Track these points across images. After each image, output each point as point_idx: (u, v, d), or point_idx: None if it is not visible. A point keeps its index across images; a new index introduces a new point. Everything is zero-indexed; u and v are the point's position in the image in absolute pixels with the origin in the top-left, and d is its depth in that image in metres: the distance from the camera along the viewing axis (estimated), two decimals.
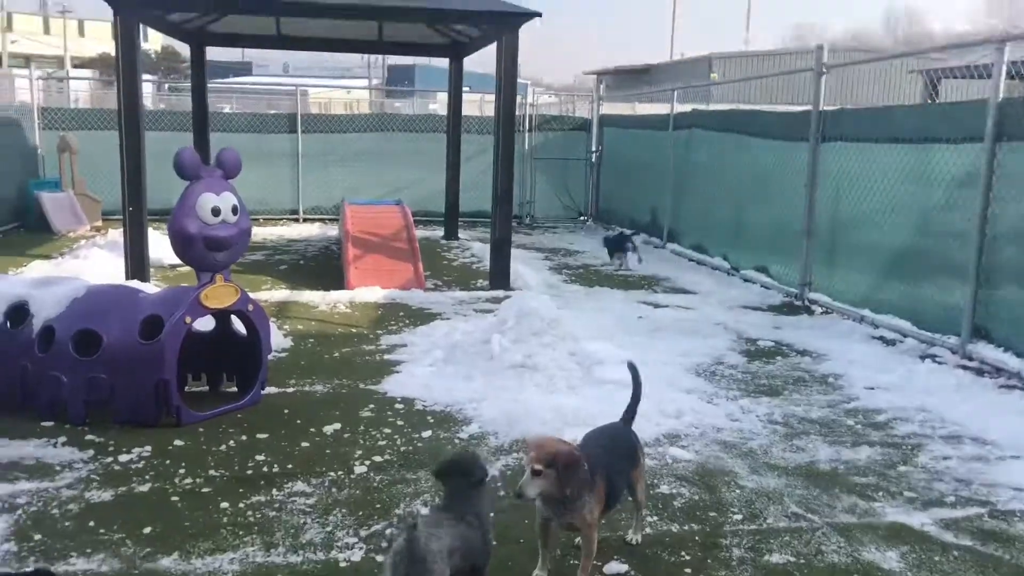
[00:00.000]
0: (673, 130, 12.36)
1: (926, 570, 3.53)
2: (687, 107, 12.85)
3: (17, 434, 4.70)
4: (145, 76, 12.97)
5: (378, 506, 4.00)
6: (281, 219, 14.72)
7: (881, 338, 7.37)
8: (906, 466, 4.65)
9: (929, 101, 16.02)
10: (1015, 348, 6.28)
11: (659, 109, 15.27)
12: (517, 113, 12.69)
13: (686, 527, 3.88)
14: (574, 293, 9.25)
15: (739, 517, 3.98)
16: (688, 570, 3.49)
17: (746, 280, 9.90)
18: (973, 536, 3.85)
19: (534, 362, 5.86)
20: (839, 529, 3.87)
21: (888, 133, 7.70)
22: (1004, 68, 6.37)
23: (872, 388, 6.00)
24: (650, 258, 11.69)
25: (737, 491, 4.28)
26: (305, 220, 14.80)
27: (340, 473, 4.37)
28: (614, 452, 3.52)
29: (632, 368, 3.80)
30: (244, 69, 59.25)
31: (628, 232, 11.58)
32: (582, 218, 15.86)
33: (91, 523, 3.75)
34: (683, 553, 3.62)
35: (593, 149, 15.66)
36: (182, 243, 5.03)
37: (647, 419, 5.16)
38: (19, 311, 5.08)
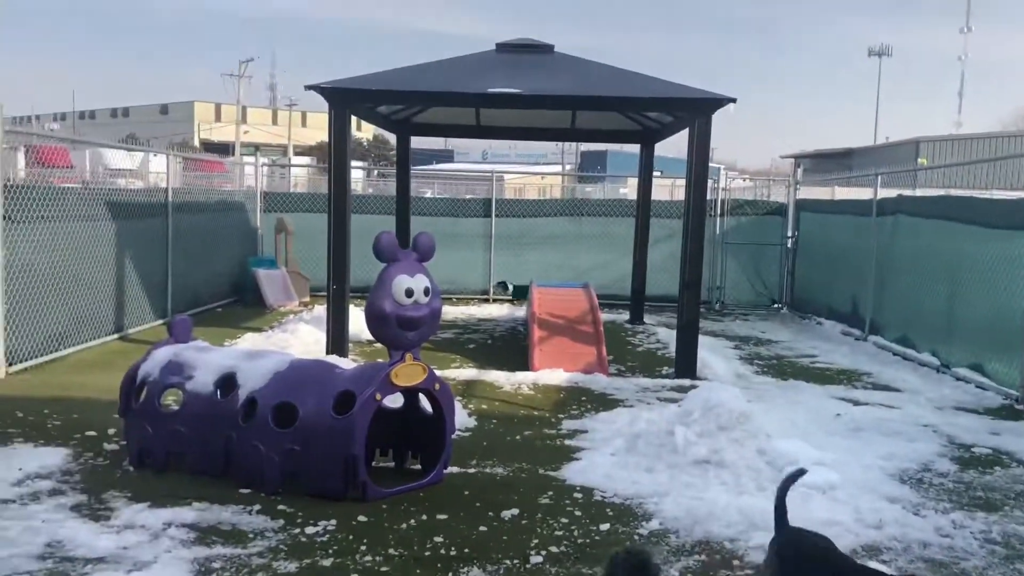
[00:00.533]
0: (877, 216, 11.75)
1: None
2: (892, 192, 12.20)
3: (217, 499, 4.98)
4: (355, 163, 13.89)
5: None
6: (472, 299, 15.14)
7: None
8: None
9: None
10: None
11: (860, 194, 14.61)
12: (708, 197, 12.53)
13: None
14: (765, 386, 8.84)
15: None
16: None
17: (958, 379, 9.10)
18: None
19: (720, 458, 5.60)
20: None
21: None
22: None
23: None
24: (851, 351, 11.03)
25: None
26: (494, 301, 15.15)
27: (516, 562, 4.30)
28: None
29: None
30: (446, 156, 62.51)
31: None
32: (775, 306, 15.28)
33: None
34: None
35: (789, 234, 15.14)
36: (377, 322, 5.24)
37: (844, 527, 4.79)
38: (228, 382, 5.44)
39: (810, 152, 50.19)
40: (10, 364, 8.07)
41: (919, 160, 31.24)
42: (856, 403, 8.10)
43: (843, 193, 17.74)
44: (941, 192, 11.51)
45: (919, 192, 12.80)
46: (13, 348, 8.14)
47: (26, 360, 8.33)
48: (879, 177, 12.04)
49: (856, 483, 5.54)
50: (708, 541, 4.63)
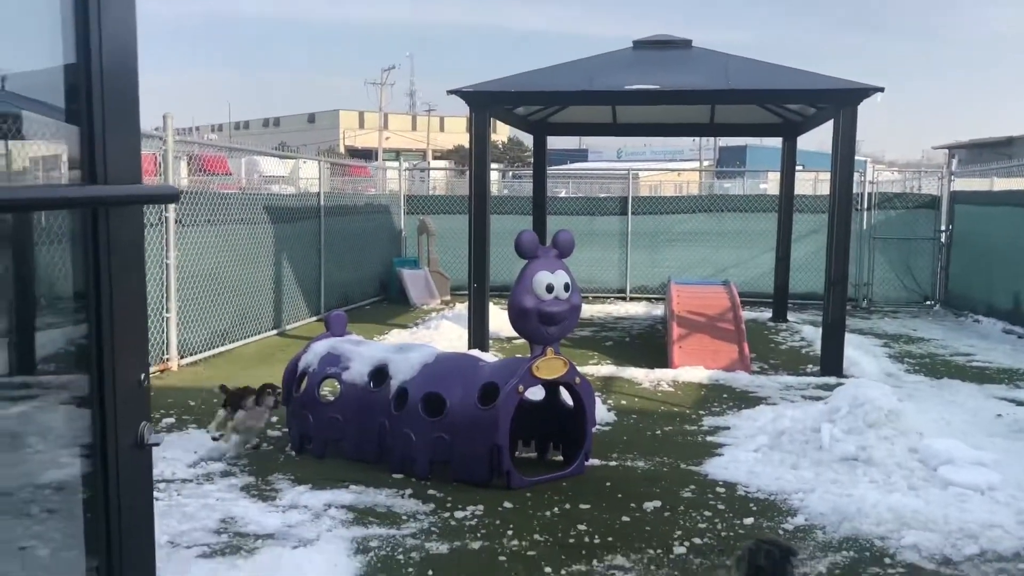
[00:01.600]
0: None
1: None
2: None
3: (372, 483, 5.27)
4: (492, 165, 14.17)
5: None
6: (608, 297, 15.17)
7: None
8: None
9: None
10: None
11: (1022, 184, 13.74)
12: (854, 191, 12.11)
13: None
14: (917, 384, 8.49)
15: None
16: None
17: None
18: None
19: (868, 455, 5.46)
20: None
21: None
22: None
23: None
24: (1012, 350, 10.43)
25: None
26: (632, 299, 15.12)
27: (659, 551, 4.36)
28: None
29: None
30: (580, 155, 62.59)
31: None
32: (928, 303, 14.56)
33: (429, 572, 4.09)
34: None
35: (943, 228, 14.41)
36: (518, 316, 5.41)
37: (1004, 530, 4.61)
38: (380, 373, 5.74)
39: (965, 142, 47.34)
40: (182, 357, 8.73)
41: None
42: (1019, 403, 7.67)
43: (1003, 184, 16.70)
44: None
45: None
46: (184, 342, 8.81)
47: (196, 353, 9.00)
48: None
49: (1018, 484, 5.27)
50: (856, 538, 4.54)
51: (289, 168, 25.84)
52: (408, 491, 5.16)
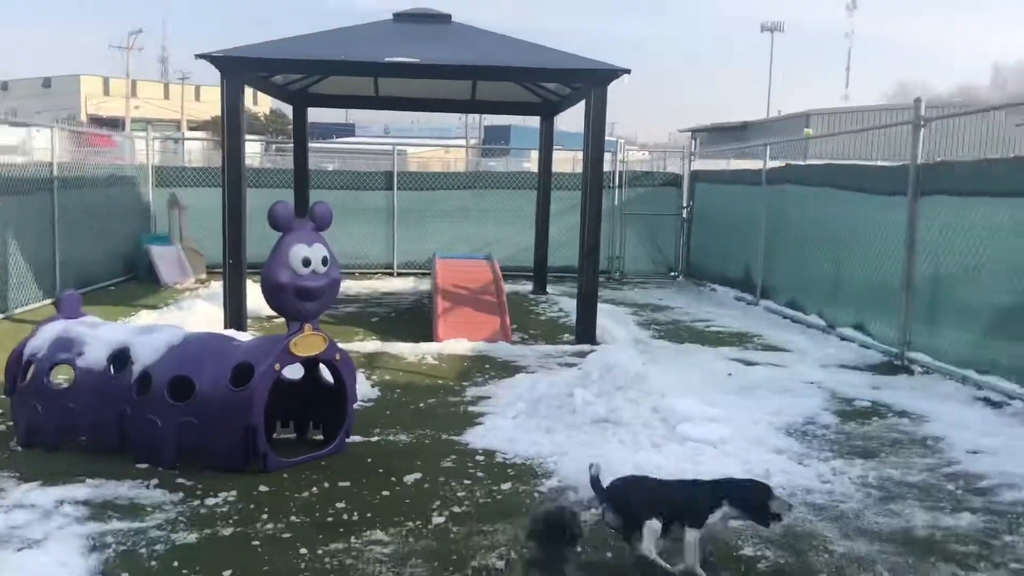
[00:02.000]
0: (766, 185, 12.19)
1: None
2: (780, 163, 12.67)
3: (113, 475, 4.88)
4: (251, 136, 13.57)
5: (454, 557, 3.98)
6: (376, 273, 15.05)
7: (986, 399, 7.00)
8: (1012, 536, 4.37)
9: None
10: None
11: (752, 165, 15.09)
12: (606, 169, 12.75)
13: None
14: (662, 348, 9.12)
15: None
16: None
17: (843, 339, 9.57)
18: None
19: (618, 417, 5.78)
20: None
21: (992, 187, 7.40)
22: None
23: (975, 452, 5.68)
24: (743, 315, 11.46)
25: (825, 556, 4.09)
26: (399, 274, 15.10)
27: (418, 523, 4.37)
28: None
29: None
30: (347, 130, 61.49)
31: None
32: (672, 274, 15.71)
33: (175, 563, 3.85)
34: None
35: (684, 205, 15.56)
36: (273, 292, 5.19)
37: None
38: (121, 356, 5.32)
39: (707, 126, 51.36)
40: None
41: (805, 131, 32.41)
42: (748, 363, 8.44)
43: (739, 165, 18.29)
44: (826, 163, 11.99)
45: (808, 162, 13.32)
46: None
47: None
48: (768, 148, 12.47)
49: (746, 437, 5.80)
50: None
51: (20, 138, 23.42)
52: (154, 481, 4.83)
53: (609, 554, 4.04)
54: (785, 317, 11.14)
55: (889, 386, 7.55)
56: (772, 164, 12.37)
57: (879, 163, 12.00)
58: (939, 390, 7.37)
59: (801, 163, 12.99)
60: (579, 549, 3.66)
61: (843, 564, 4.00)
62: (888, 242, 8.90)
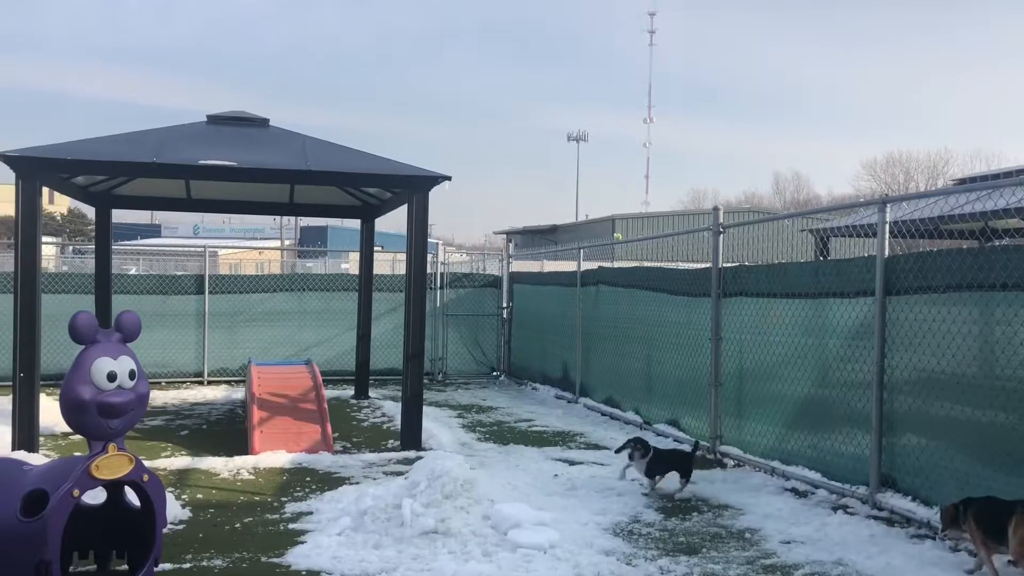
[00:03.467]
0: (581, 286, 12.67)
1: None
2: (593, 264, 13.24)
3: None
4: (48, 239, 12.67)
5: None
6: (185, 382, 14.25)
7: (794, 490, 7.42)
8: None
9: (821, 258, 16.90)
10: (921, 496, 6.38)
11: (566, 267, 15.68)
12: (428, 271, 12.85)
13: None
14: (488, 451, 9.09)
15: None
16: None
17: (659, 434, 9.92)
18: None
19: (447, 527, 5.67)
20: None
21: (785, 288, 8.03)
22: (887, 227, 6.78)
23: (788, 542, 5.97)
24: (564, 413, 11.68)
25: None
26: (210, 383, 14.35)
27: None
28: None
29: None
30: (152, 231, 58.92)
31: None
32: (494, 373, 15.86)
33: None
34: None
35: (504, 305, 15.88)
36: (74, 410, 4.77)
37: None
38: None
39: (519, 228, 53.23)
40: None
41: (615, 235, 34.22)
42: (571, 463, 8.55)
43: (552, 267, 18.95)
44: (635, 264, 12.65)
45: (617, 264, 14.00)
46: None
47: None
48: (581, 251, 13.02)
49: (575, 540, 5.82)
50: None
51: None
52: None
53: None
54: (603, 414, 11.45)
55: (705, 480, 7.84)
56: (586, 266, 12.90)
57: (681, 265, 12.78)
58: (750, 482, 7.74)
59: (612, 265, 13.63)
60: None
61: None
62: (695, 340, 9.42)
